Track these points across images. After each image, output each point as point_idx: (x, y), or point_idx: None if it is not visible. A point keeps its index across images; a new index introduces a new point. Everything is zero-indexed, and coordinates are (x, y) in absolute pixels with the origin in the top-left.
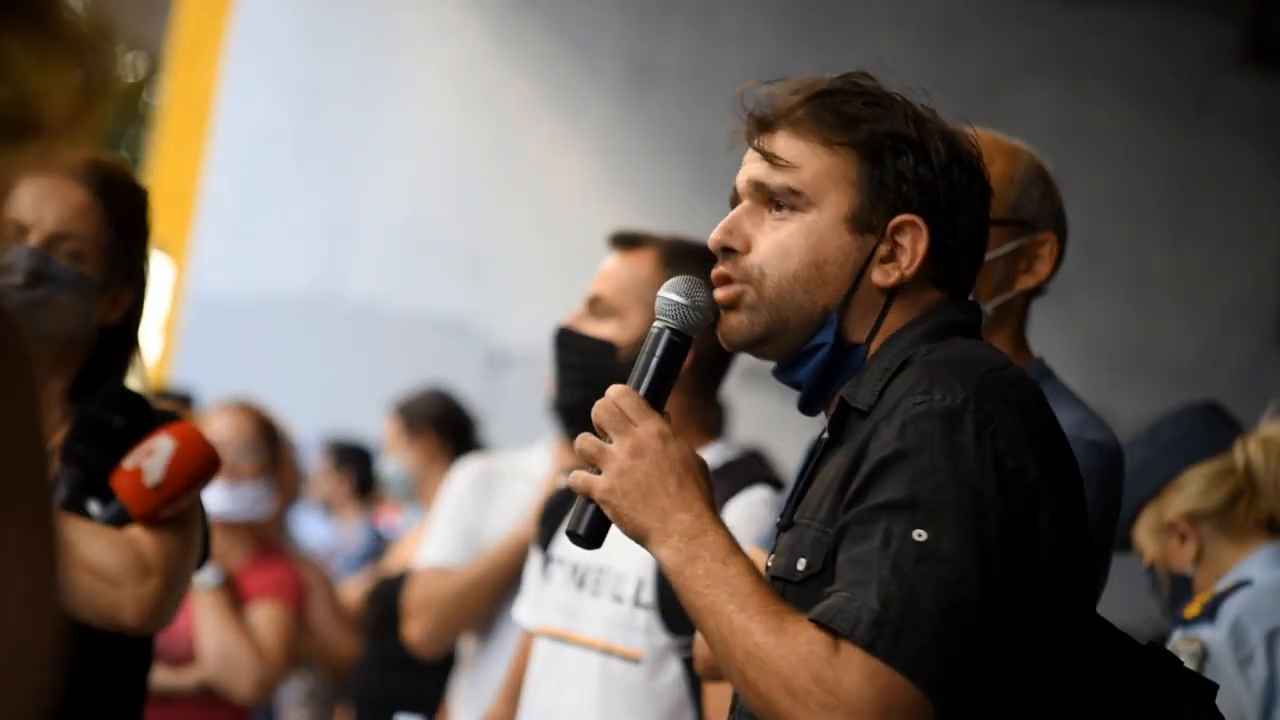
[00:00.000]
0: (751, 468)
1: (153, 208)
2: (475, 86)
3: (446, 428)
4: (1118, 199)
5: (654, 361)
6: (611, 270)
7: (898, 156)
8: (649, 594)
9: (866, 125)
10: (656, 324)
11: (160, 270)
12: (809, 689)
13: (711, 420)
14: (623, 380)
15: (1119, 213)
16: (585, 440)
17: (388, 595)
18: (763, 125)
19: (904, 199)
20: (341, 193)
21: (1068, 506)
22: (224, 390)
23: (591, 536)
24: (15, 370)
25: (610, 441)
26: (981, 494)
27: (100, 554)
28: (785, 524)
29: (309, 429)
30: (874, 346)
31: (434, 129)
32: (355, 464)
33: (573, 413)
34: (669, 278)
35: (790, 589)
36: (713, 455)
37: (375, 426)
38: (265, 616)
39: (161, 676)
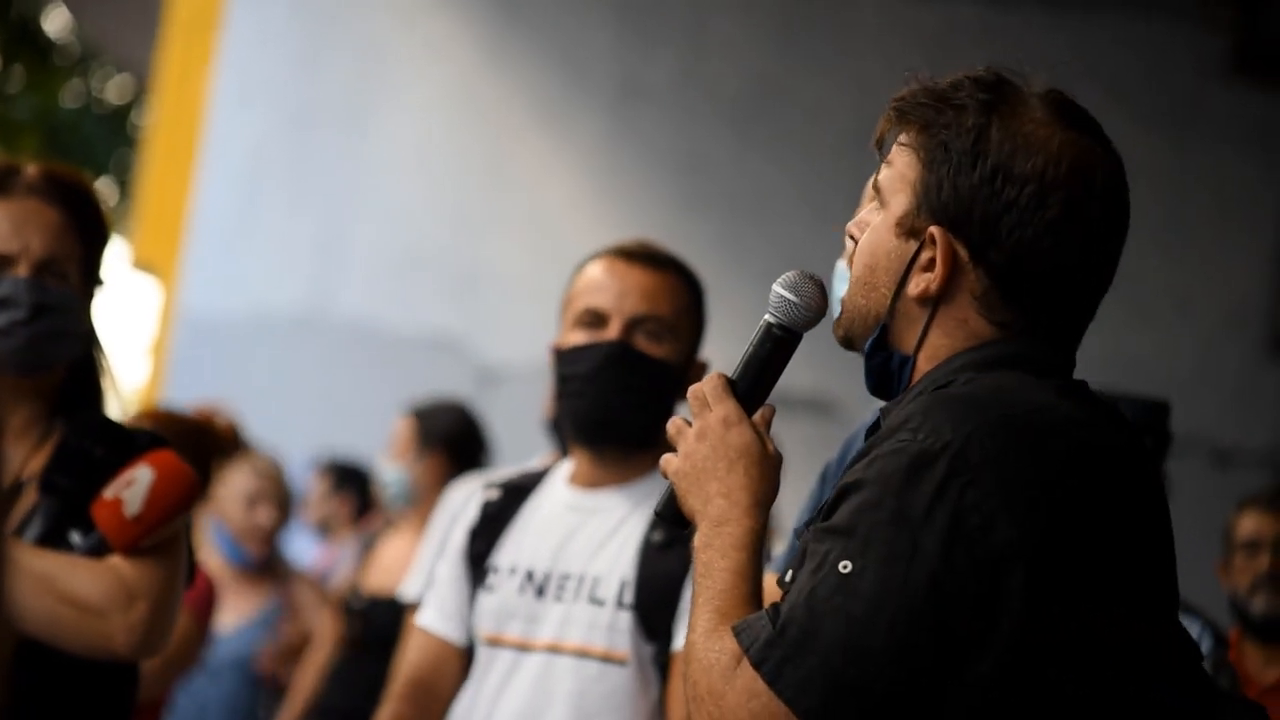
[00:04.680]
0: None
1: (106, 210)
2: (464, 104)
3: (461, 450)
4: None
5: (757, 355)
6: (652, 288)
7: (944, 163)
8: (631, 596)
9: (929, 129)
10: (767, 317)
11: (149, 291)
12: (702, 697)
13: None
14: (672, 403)
15: None
16: (673, 422)
17: (377, 618)
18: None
19: (943, 208)
20: (331, 211)
21: (1062, 579)
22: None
23: (673, 517)
24: None
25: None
26: (919, 543)
27: (83, 585)
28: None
29: (300, 449)
30: (920, 364)
31: (422, 147)
32: (355, 486)
33: (623, 430)
34: (695, 298)
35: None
36: None
37: (366, 445)
38: None
39: None
